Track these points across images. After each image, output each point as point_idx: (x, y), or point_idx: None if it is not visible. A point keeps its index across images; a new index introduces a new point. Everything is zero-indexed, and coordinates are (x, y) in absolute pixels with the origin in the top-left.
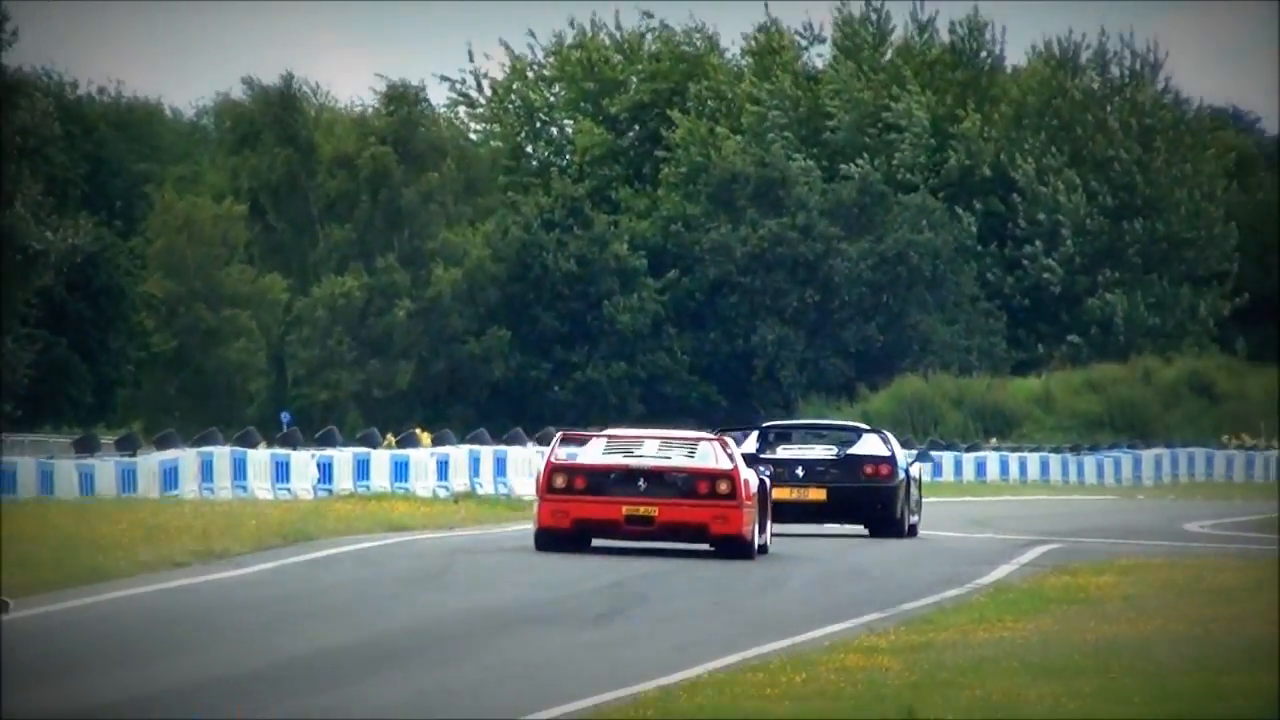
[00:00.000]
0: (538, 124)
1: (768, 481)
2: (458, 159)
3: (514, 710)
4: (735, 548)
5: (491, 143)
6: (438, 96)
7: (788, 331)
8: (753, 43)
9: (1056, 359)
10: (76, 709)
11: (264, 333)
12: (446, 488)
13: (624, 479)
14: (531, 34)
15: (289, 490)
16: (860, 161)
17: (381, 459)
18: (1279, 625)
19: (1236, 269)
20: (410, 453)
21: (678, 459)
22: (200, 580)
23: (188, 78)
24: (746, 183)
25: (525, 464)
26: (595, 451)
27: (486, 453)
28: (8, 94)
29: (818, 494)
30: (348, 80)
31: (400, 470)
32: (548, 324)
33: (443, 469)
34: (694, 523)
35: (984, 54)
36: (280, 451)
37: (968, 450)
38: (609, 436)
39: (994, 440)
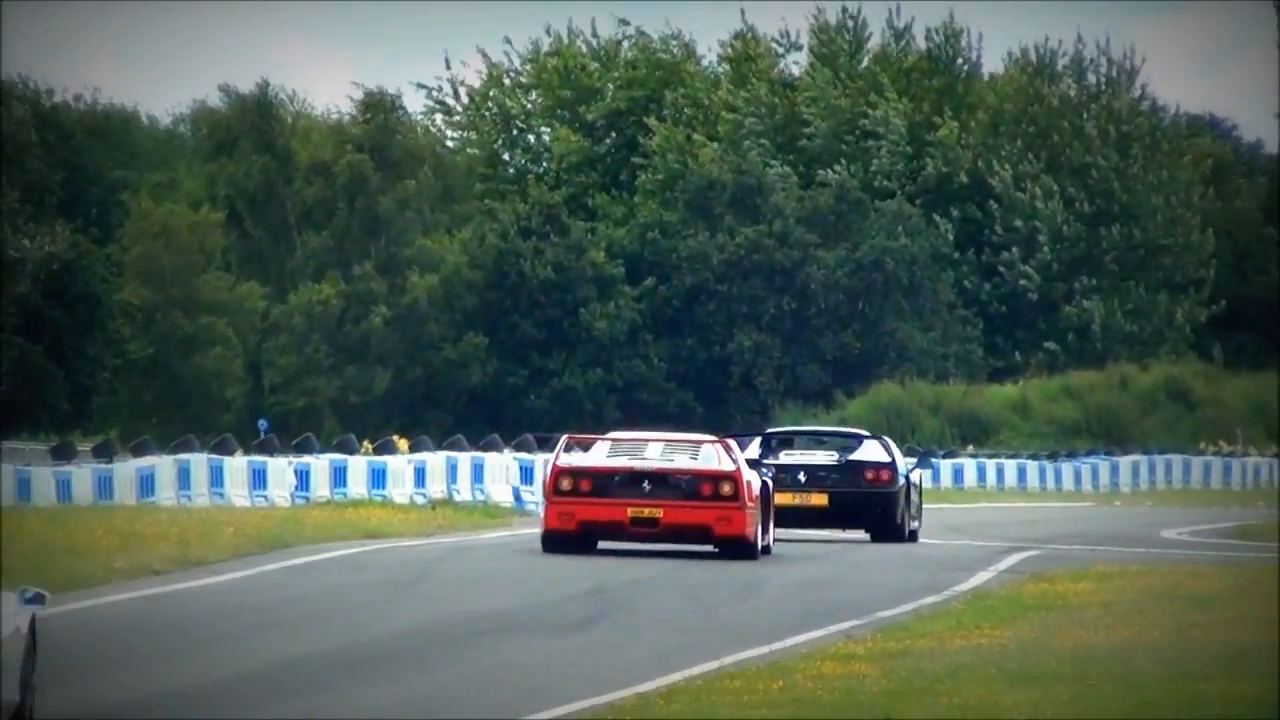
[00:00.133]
0: (514, 131)
1: (770, 484)
2: (435, 166)
3: (492, 717)
4: (739, 549)
5: (468, 150)
6: (414, 104)
7: (765, 339)
8: (729, 50)
9: (1033, 366)
10: (53, 716)
11: (241, 340)
12: (424, 495)
13: (628, 481)
14: (508, 41)
15: (266, 498)
16: (837, 168)
17: (359, 466)
18: None
19: (1213, 276)
20: (388, 460)
21: (681, 461)
22: (178, 588)
23: (164, 85)
24: (723, 190)
25: (503, 470)
26: (600, 454)
27: (464, 459)
28: None
29: (820, 499)
30: (324, 88)
31: (378, 477)
32: (525, 331)
33: (420, 476)
34: (698, 524)
35: (960, 61)
36: (257, 459)
37: (945, 457)
38: (614, 439)
39: (971, 447)
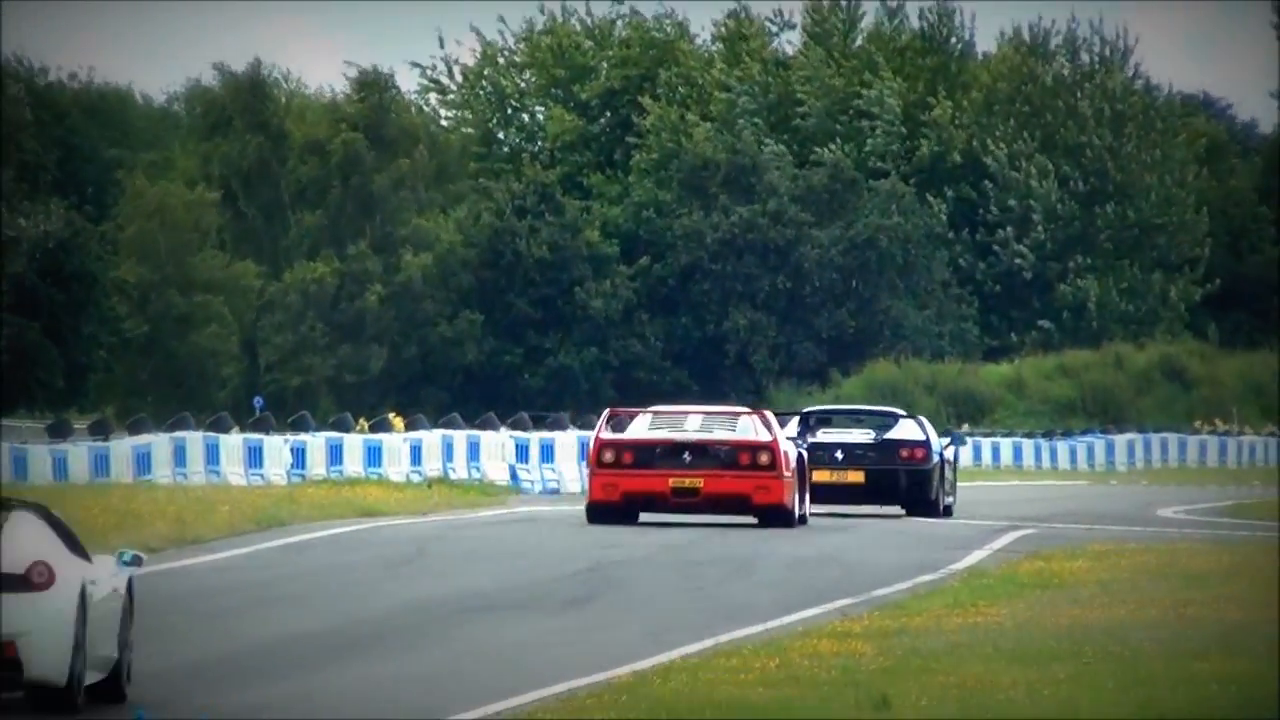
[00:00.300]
0: (509, 110)
1: (805, 455)
2: (429, 145)
3: (486, 696)
4: (777, 517)
5: (462, 129)
6: (408, 83)
7: (760, 317)
8: (723, 29)
9: (1028, 345)
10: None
11: (236, 318)
12: (420, 473)
13: (670, 453)
14: (502, 20)
15: (262, 476)
16: (832, 148)
17: (354, 444)
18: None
19: (1208, 255)
20: (383, 438)
21: (720, 432)
22: (174, 565)
23: (158, 64)
24: (717, 169)
25: (498, 449)
26: (642, 427)
27: (460, 437)
28: None
29: (856, 476)
30: (318, 67)
31: (373, 455)
32: (520, 310)
33: (416, 454)
34: (737, 493)
35: (954, 40)
36: (253, 437)
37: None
38: (654, 412)
39: (966, 426)
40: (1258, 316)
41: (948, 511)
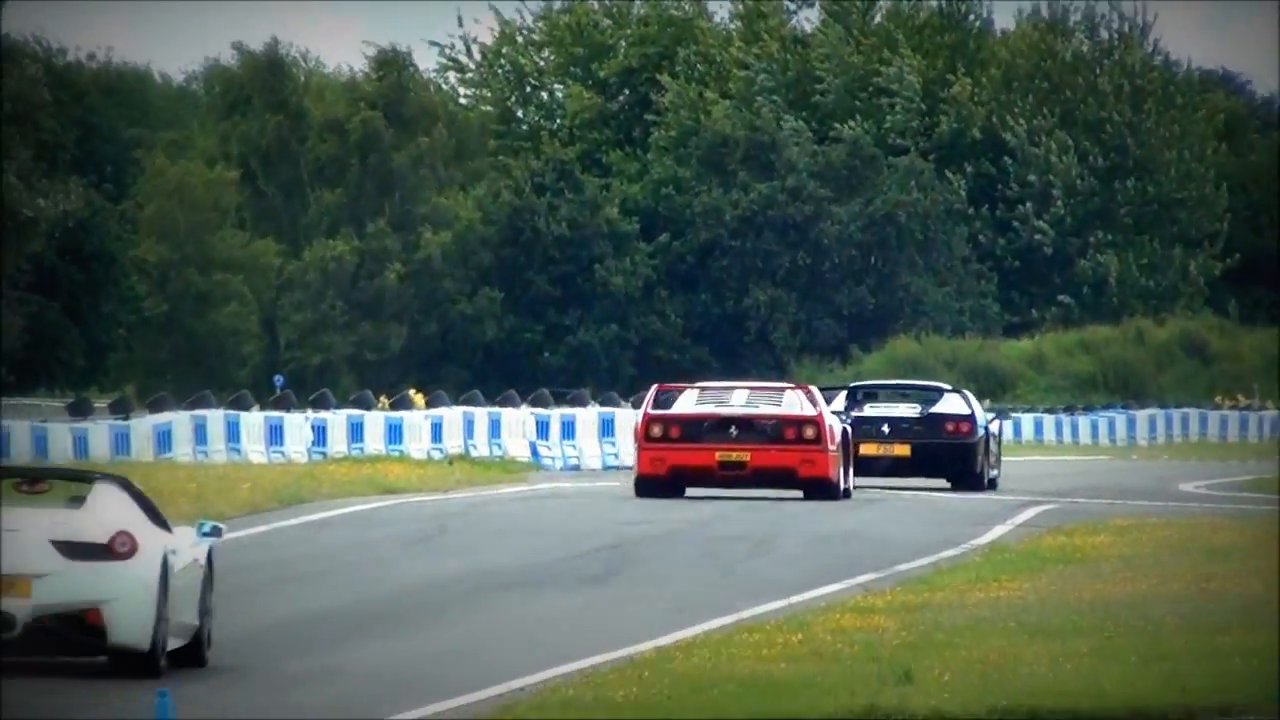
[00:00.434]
0: (527, 89)
1: (849, 430)
2: (448, 123)
3: (509, 671)
4: (822, 490)
5: (481, 107)
6: (427, 62)
7: (780, 294)
8: (741, 7)
9: (1049, 320)
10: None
11: (256, 296)
12: (441, 450)
13: (716, 427)
14: None
15: (283, 453)
16: (852, 124)
17: (375, 421)
18: None
19: (1227, 230)
20: (404, 415)
21: (766, 407)
22: None
23: (177, 44)
24: (736, 146)
25: (519, 426)
26: (689, 402)
27: (480, 414)
28: None
29: (902, 450)
30: (336, 46)
31: (394, 433)
32: (540, 287)
33: (437, 431)
34: (783, 467)
35: (972, 17)
36: (274, 414)
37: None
38: (701, 387)
39: (987, 401)
40: (1278, 291)
41: (992, 484)
